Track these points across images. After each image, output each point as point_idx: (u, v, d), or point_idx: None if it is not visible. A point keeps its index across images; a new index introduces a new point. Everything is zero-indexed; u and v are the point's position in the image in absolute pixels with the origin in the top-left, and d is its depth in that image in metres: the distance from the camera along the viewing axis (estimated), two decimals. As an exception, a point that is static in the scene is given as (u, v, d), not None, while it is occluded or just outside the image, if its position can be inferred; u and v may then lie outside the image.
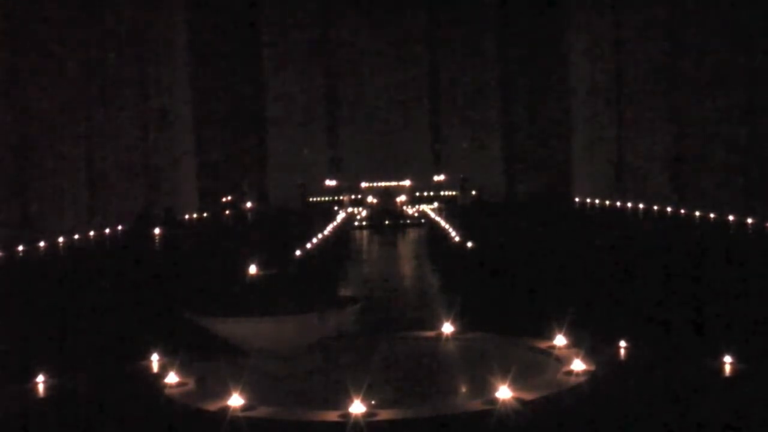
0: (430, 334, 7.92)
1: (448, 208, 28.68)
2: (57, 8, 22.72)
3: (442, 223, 21.49)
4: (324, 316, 7.57)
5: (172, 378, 6.29)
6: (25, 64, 21.29)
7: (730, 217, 19.35)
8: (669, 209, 23.28)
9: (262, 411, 5.57)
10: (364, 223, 25.55)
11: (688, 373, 6.39)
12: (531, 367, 6.53)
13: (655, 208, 24.17)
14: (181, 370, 6.44)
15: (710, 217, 20.57)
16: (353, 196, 31.85)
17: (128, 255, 17.72)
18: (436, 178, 32.89)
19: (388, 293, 11.85)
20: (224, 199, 30.89)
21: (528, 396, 5.60)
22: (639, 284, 10.81)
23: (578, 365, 6.19)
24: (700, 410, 5.58)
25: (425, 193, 32.38)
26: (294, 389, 6.47)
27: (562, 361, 6.49)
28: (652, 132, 27.29)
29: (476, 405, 5.61)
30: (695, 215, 21.39)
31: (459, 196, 31.79)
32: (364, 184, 31.67)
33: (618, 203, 27.18)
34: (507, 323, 8.19)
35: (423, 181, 32.31)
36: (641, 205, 25.27)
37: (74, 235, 20.81)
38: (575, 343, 6.83)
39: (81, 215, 23.21)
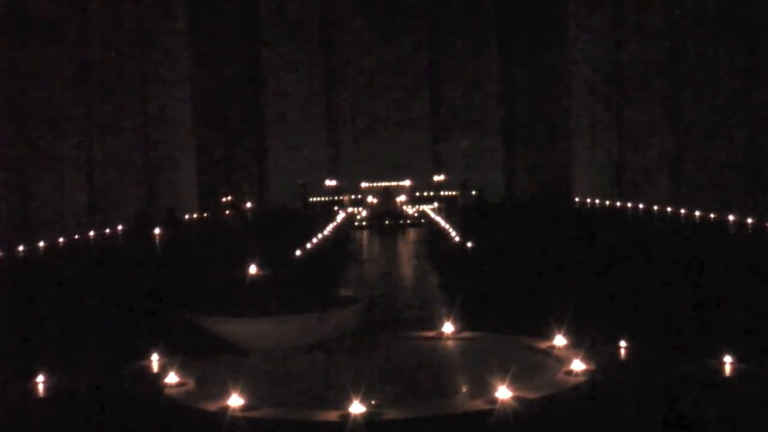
0: (430, 334, 7.92)
1: (448, 208, 28.66)
2: (57, 8, 22.73)
3: (442, 223, 21.49)
4: (324, 316, 7.57)
5: (172, 378, 6.29)
6: (25, 64, 21.30)
7: (730, 217, 19.34)
8: (669, 209, 23.27)
9: (262, 411, 5.58)
10: (364, 223, 25.53)
11: (688, 373, 6.39)
12: (531, 367, 6.54)
13: (655, 208, 24.16)
14: (181, 370, 6.44)
15: (710, 217, 20.56)
16: (353, 196, 31.83)
17: (128, 255, 17.71)
18: (436, 178, 32.87)
19: (388, 293, 11.84)
20: (224, 199, 30.88)
21: (528, 396, 5.61)
22: (639, 284, 10.80)
23: (578, 365, 6.19)
24: (700, 410, 5.58)
25: (425, 193, 32.35)
26: (294, 389, 6.48)
27: (562, 361, 6.50)
28: (652, 132, 27.30)
29: (476, 405, 5.61)
30: (695, 215, 21.38)
31: (459, 196, 31.77)
32: (364, 184, 31.64)
33: (618, 203, 27.16)
34: (507, 323, 8.19)
35: (423, 181, 32.28)
36: (641, 205, 25.26)
37: (74, 235, 20.80)
38: (575, 343, 6.83)
39: (81, 215, 23.20)
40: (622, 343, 7.00)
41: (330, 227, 21.60)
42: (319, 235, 18.85)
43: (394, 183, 31.01)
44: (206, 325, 7.47)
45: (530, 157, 32.51)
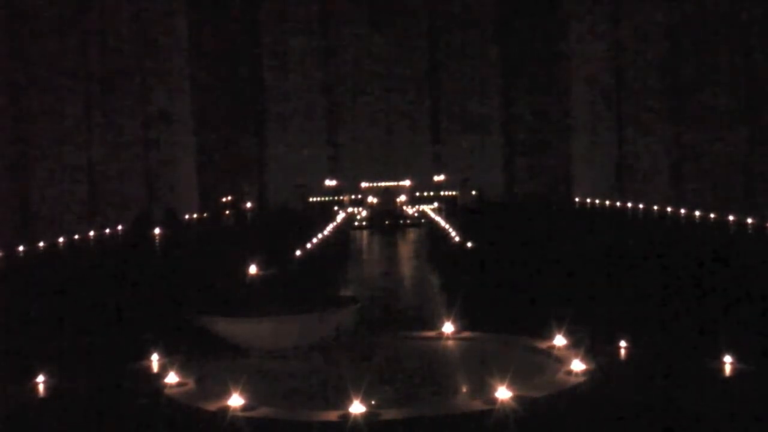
0: (430, 334, 7.92)
1: (448, 208, 28.66)
2: (57, 8, 22.74)
3: (442, 223, 21.48)
4: (324, 316, 7.58)
5: (172, 378, 6.29)
6: (25, 65, 21.30)
7: (730, 217, 19.34)
8: (669, 209, 23.27)
9: (262, 411, 5.58)
10: (364, 223, 25.54)
11: (688, 373, 6.39)
12: (531, 367, 6.54)
13: (655, 208, 24.16)
14: (181, 370, 6.44)
15: (710, 217, 20.55)
16: (353, 196, 31.82)
17: (128, 255, 17.70)
18: (436, 178, 32.86)
19: (388, 293, 11.85)
20: (224, 199, 30.87)
21: (528, 396, 5.61)
22: (639, 284, 10.80)
23: (578, 365, 6.19)
24: (700, 410, 5.58)
25: (425, 193, 32.35)
26: (294, 389, 6.48)
27: (562, 361, 6.50)
28: (652, 132, 27.30)
29: (476, 405, 5.61)
30: (695, 215, 21.38)
31: (459, 196, 31.77)
32: (364, 184, 31.63)
33: (618, 203, 27.17)
34: (507, 323, 8.19)
35: (423, 181, 32.27)
36: (641, 205, 25.26)
37: (74, 235, 20.79)
38: (575, 343, 6.83)
39: (81, 215, 23.20)
40: (622, 343, 7.00)
41: (330, 227, 21.60)
42: (319, 235, 18.85)
43: (394, 183, 30.99)
44: (206, 325, 7.47)
45: (530, 156, 32.53)
